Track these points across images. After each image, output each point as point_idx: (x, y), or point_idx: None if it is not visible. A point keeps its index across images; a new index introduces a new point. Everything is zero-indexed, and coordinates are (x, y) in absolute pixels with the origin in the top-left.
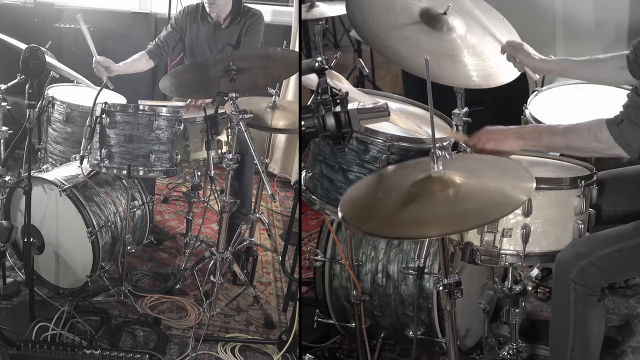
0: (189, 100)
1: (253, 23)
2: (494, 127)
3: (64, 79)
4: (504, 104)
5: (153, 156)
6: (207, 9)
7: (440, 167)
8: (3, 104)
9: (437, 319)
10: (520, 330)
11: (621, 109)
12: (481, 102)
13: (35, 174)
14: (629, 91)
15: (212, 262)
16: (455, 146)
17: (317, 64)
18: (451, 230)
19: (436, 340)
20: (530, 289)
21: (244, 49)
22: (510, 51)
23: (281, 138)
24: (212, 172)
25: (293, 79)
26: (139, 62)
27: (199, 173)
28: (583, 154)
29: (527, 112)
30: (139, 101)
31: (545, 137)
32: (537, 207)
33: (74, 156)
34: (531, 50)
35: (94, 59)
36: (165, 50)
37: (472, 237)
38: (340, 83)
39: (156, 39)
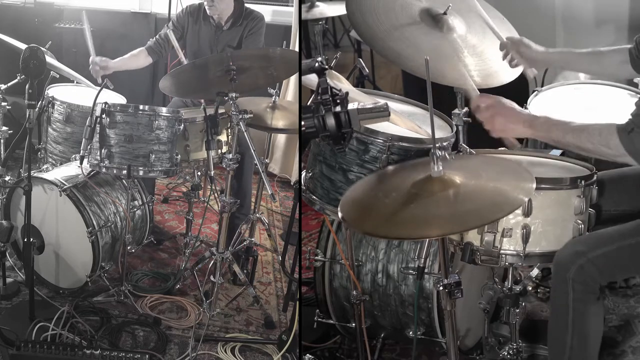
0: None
1: (255, 26)
2: (507, 102)
3: (64, 79)
4: None
5: (153, 156)
6: (208, 12)
7: (440, 168)
8: (3, 104)
9: (437, 319)
10: (520, 330)
11: (630, 117)
12: None
13: (35, 174)
14: (637, 98)
15: (212, 262)
16: (455, 146)
17: (317, 64)
18: (451, 231)
19: (436, 340)
20: (530, 289)
21: (244, 48)
22: (510, 46)
23: (281, 138)
24: (212, 172)
25: (293, 79)
26: (136, 59)
27: (199, 173)
28: (590, 155)
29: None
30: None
31: (556, 132)
32: (537, 207)
33: (74, 156)
34: (531, 44)
35: (90, 58)
36: (165, 47)
37: (472, 237)
38: (340, 83)
39: (157, 36)
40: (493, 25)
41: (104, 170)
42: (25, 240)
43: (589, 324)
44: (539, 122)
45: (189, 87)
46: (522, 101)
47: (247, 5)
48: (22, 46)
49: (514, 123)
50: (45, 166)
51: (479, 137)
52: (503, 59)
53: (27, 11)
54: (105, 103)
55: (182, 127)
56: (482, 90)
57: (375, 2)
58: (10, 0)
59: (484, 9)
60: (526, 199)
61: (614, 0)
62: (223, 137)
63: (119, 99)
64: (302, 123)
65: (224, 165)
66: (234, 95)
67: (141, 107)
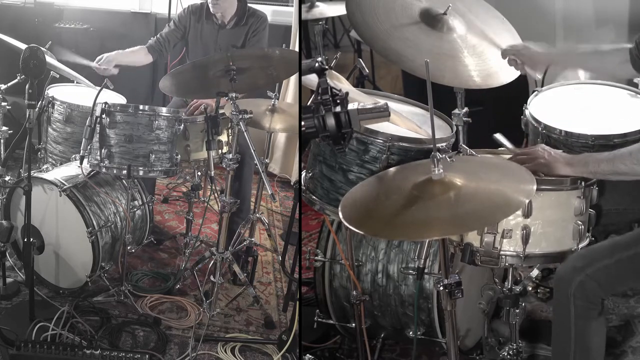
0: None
1: (259, 26)
2: (545, 146)
3: (64, 79)
4: (504, 104)
5: (153, 156)
6: (211, 9)
7: (441, 170)
8: (3, 104)
9: (437, 319)
10: (520, 330)
11: None
12: (481, 102)
13: (35, 174)
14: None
15: (212, 262)
16: (455, 147)
17: (317, 64)
18: (452, 233)
19: (436, 340)
20: (530, 289)
21: (243, 48)
22: (512, 53)
23: (281, 138)
24: (212, 172)
25: (293, 79)
26: (136, 54)
27: (199, 173)
28: (628, 178)
29: (527, 112)
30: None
31: (592, 165)
32: (537, 208)
33: (74, 156)
34: (532, 46)
35: (92, 65)
36: (166, 47)
37: (472, 238)
38: (340, 83)
39: (157, 35)
40: (490, 33)
41: (104, 170)
42: (25, 240)
43: (591, 339)
44: (577, 160)
45: (189, 87)
46: (522, 101)
47: (249, 4)
48: (22, 46)
49: (554, 163)
50: (45, 166)
51: (479, 137)
52: (510, 64)
53: (27, 11)
54: (105, 103)
55: (182, 127)
56: (481, 90)
57: (375, 2)
58: (10, 0)
59: (484, 10)
60: (527, 201)
61: (614, 1)
62: (223, 137)
63: (119, 99)
64: (302, 123)
65: (224, 166)
66: (234, 95)
67: (141, 107)
